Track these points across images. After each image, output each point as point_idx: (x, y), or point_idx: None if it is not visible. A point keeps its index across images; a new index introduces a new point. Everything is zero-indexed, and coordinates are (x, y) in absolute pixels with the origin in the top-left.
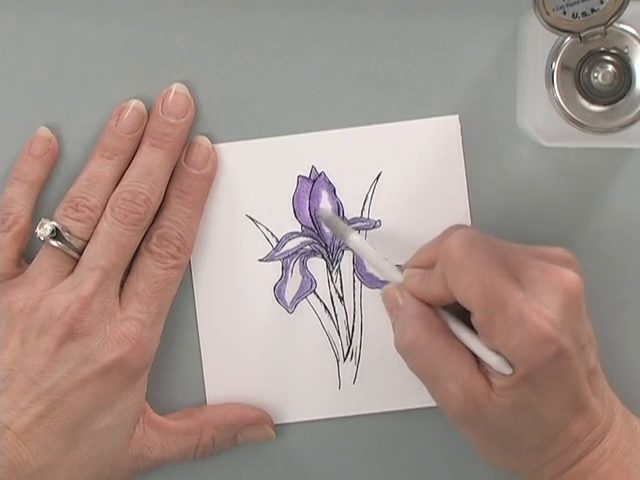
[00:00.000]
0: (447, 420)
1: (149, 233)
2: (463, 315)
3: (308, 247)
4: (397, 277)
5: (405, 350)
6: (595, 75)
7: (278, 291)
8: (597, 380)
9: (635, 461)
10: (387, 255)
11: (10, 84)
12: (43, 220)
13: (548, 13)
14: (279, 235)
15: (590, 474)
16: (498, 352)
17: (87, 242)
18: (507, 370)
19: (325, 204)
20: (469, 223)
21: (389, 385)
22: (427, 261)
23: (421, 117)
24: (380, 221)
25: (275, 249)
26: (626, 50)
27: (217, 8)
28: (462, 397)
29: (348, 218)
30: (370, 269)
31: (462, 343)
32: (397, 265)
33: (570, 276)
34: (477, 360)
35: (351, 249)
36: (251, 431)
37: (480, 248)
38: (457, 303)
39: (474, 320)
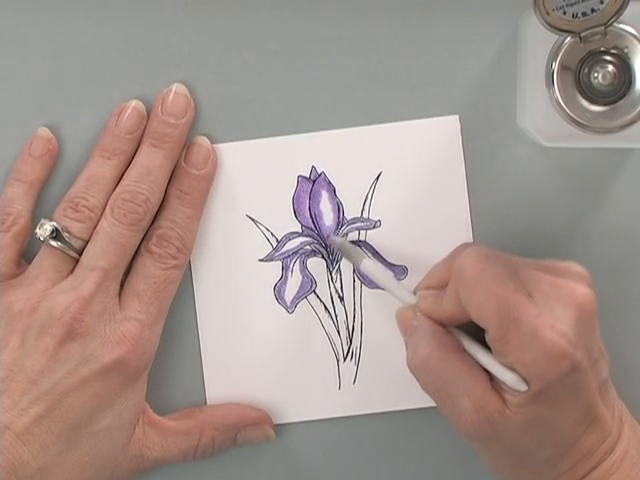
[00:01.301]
0: (458, 436)
1: (149, 233)
2: (476, 334)
3: (308, 247)
4: (411, 299)
5: (418, 368)
6: (595, 75)
7: (278, 291)
8: (608, 392)
9: None
10: (387, 255)
11: (10, 84)
12: (43, 220)
13: (548, 13)
14: (279, 235)
15: None
16: (512, 368)
17: (87, 242)
18: (522, 387)
19: (325, 204)
20: (469, 222)
21: (389, 385)
22: (439, 282)
23: (421, 117)
24: (380, 221)
25: (275, 249)
26: (626, 50)
27: (217, 8)
28: (475, 414)
29: (348, 218)
30: None
31: (475, 361)
32: (400, 265)
33: (582, 290)
34: (490, 377)
35: (364, 273)
36: (251, 431)
37: (492, 264)
38: (470, 323)
39: (488, 337)
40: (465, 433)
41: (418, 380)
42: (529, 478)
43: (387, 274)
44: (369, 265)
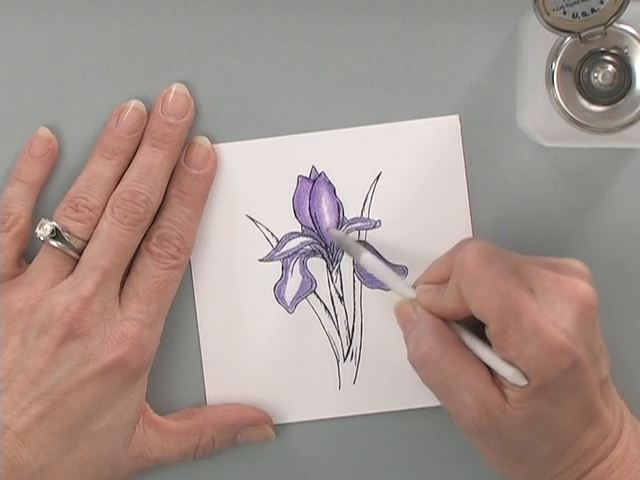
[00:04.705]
0: (460, 431)
1: (149, 233)
2: (476, 330)
3: (308, 247)
4: (410, 293)
5: (419, 363)
6: (595, 75)
7: (278, 291)
8: (608, 390)
9: None
10: (387, 255)
11: (10, 84)
12: (43, 220)
13: (548, 13)
14: (279, 235)
15: None
16: (513, 364)
17: (87, 242)
18: (522, 382)
19: (325, 204)
20: (469, 223)
21: (389, 385)
22: (439, 277)
23: (421, 117)
24: (380, 221)
25: (275, 249)
26: (626, 50)
27: (217, 8)
28: (476, 409)
29: (348, 218)
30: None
31: (476, 356)
32: (400, 265)
33: (583, 287)
34: (491, 372)
35: (363, 267)
36: (251, 431)
37: (494, 259)
38: (470, 318)
39: (489, 331)
40: (466, 428)
41: (420, 375)
42: (530, 475)
43: (386, 268)
44: (368, 259)
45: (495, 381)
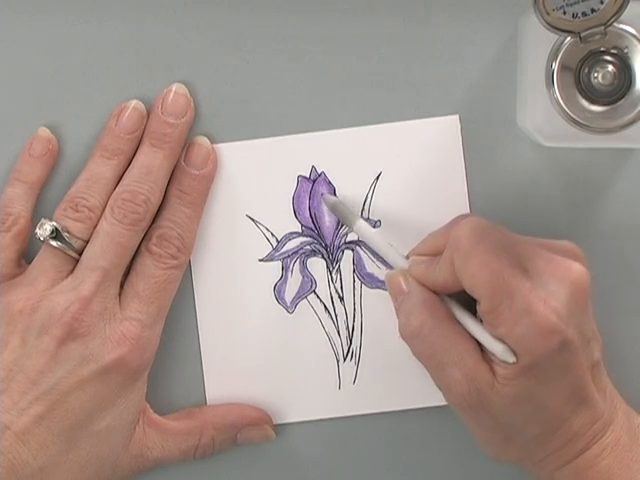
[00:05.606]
0: (449, 407)
1: (149, 233)
2: (468, 304)
3: (308, 247)
4: (403, 263)
5: (410, 336)
6: (595, 75)
7: (278, 291)
8: (600, 375)
9: (636, 458)
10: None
11: (10, 84)
12: (43, 220)
13: (548, 13)
14: (279, 235)
15: (590, 469)
16: (503, 341)
17: (87, 242)
18: (511, 358)
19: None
20: None
21: (389, 385)
22: (433, 249)
23: (421, 117)
24: (380, 221)
25: (275, 249)
26: (626, 50)
27: (217, 8)
28: (465, 384)
29: None
30: (370, 269)
31: (467, 331)
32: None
33: (577, 268)
34: (481, 348)
35: (357, 235)
36: (251, 431)
37: (490, 236)
38: (461, 292)
39: (480, 308)
40: (455, 403)
41: (410, 348)
42: (519, 456)
43: (380, 237)
44: (362, 226)
45: (485, 357)
